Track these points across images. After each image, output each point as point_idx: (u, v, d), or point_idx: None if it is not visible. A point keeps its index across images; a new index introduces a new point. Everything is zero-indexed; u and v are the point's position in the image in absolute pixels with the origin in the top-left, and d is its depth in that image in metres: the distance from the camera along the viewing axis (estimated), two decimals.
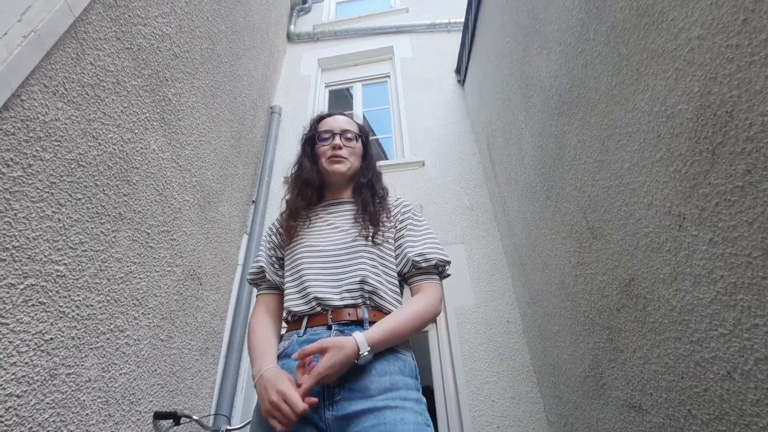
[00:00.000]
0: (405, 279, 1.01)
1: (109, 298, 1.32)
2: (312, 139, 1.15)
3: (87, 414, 1.19)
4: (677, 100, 0.85)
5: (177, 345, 1.69)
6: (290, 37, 4.13)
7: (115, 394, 1.31)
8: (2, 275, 0.97)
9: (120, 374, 1.34)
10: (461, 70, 3.21)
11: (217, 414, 1.87)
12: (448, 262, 1.00)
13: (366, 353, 0.79)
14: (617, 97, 1.07)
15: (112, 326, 1.32)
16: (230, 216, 2.36)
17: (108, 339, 1.30)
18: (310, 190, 1.09)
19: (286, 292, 0.98)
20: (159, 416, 1.50)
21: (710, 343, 0.82)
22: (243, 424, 1.65)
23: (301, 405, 0.73)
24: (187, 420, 1.58)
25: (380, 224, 1.01)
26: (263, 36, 3.21)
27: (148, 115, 1.59)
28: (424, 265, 0.96)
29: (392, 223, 1.05)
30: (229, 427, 1.64)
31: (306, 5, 4.57)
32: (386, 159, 3.12)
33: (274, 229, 1.12)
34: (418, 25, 3.86)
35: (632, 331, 1.09)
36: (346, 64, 3.90)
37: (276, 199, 2.84)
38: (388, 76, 3.73)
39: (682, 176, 0.86)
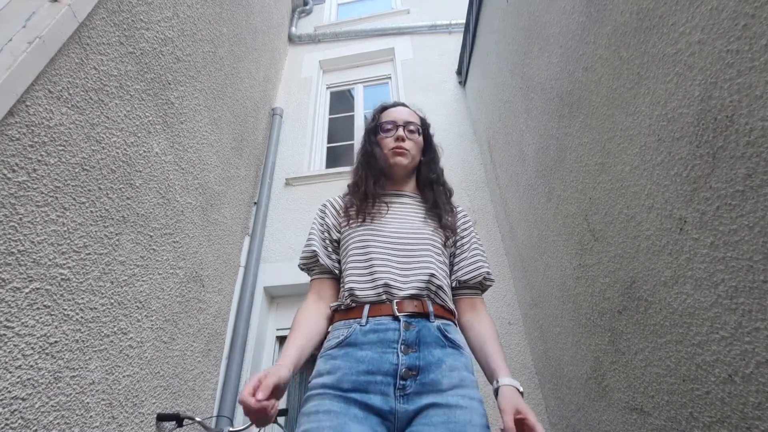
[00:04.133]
0: (459, 286, 1.03)
1: (112, 300, 1.33)
2: (375, 129, 1.15)
3: (91, 416, 1.20)
4: (678, 104, 0.86)
5: (180, 347, 1.70)
6: (291, 39, 4.14)
7: (118, 397, 1.32)
8: (7, 279, 0.98)
9: (123, 376, 1.35)
10: (462, 72, 3.21)
11: (220, 415, 1.88)
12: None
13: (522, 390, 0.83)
14: (618, 100, 1.07)
15: (115, 329, 1.33)
16: (232, 218, 2.37)
17: (112, 341, 1.31)
18: (384, 178, 1.09)
19: (350, 272, 0.95)
20: (162, 418, 1.51)
21: (711, 346, 0.82)
22: (245, 425, 1.65)
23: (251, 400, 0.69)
24: (190, 422, 1.59)
25: (452, 230, 1.04)
26: (265, 38, 3.22)
27: (150, 118, 1.60)
28: (487, 284, 1.04)
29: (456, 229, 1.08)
30: (231, 429, 1.65)
31: (307, 7, 4.58)
32: None
33: (330, 211, 1.09)
34: (419, 26, 3.87)
35: (634, 333, 1.09)
36: (348, 66, 3.91)
37: (278, 201, 2.85)
38: (389, 78, 3.74)
39: (683, 180, 0.86)
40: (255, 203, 2.74)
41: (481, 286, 1.04)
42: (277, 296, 2.52)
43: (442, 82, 3.39)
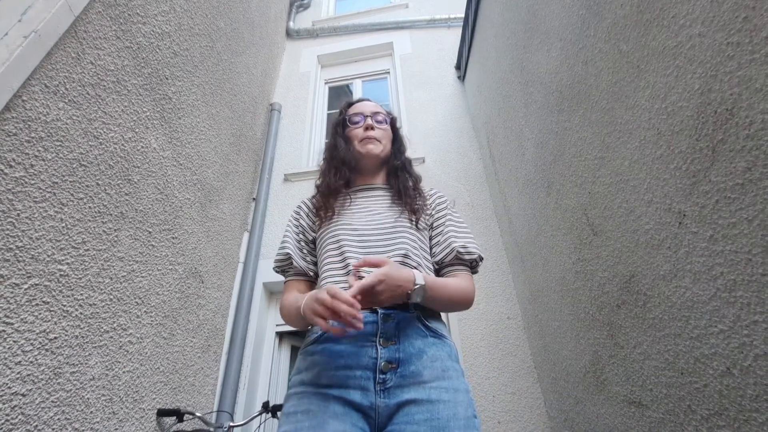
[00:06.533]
0: (440, 267, 1.00)
1: (111, 296, 1.33)
2: (343, 123, 1.14)
3: (91, 412, 1.20)
4: (678, 98, 0.85)
5: (179, 343, 1.70)
6: (289, 34, 4.12)
7: (118, 392, 1.32)
8: (6, 275, 0.98)
9: (123, 372, 1.35)
10: (461, 66, 3.20)
11: (220, 411, 1.89)
12: (482, 259, 1.02)
13: (418, 286, 0.79)
14: (618, 94, 1.07)
15: (115, 325, 1.33)
16: (231, 214, 2.36)
17: (111, 337, 1.31)
18: (347, 169, 1.07)
19: (326, 267, 0.94)
20: (162, 413, 1.51)
21: (710, 340, 0.83)
22: (246, 420, 1.66)
23: (349, 298, 0.70)
24: (190, 417, 1.59)
25: (420, 211, 1.01)
26: (262, 33, 3.19)
27: (148, 113, 1.59)
28: (466, 257, 0.97)
29: (429, 212, 1.05)
30: (231, 424, 1.65)
31: (305, 1, 4.54)
32: None
33: (304, 212, 1.09)
34: (417, 20, 3.85)
35: (632, 327, 1.10)
36: (346, 61, 3.89)
37: (277, 197, 2.84)
38: (388, 73, 3.72)
39: (682, 173, 0.86)
40: (254, 199, 2.74)
41: (459, 261, 0.98)
42: (276, 292, 2.52)
43: (441, 77, 3.37)
